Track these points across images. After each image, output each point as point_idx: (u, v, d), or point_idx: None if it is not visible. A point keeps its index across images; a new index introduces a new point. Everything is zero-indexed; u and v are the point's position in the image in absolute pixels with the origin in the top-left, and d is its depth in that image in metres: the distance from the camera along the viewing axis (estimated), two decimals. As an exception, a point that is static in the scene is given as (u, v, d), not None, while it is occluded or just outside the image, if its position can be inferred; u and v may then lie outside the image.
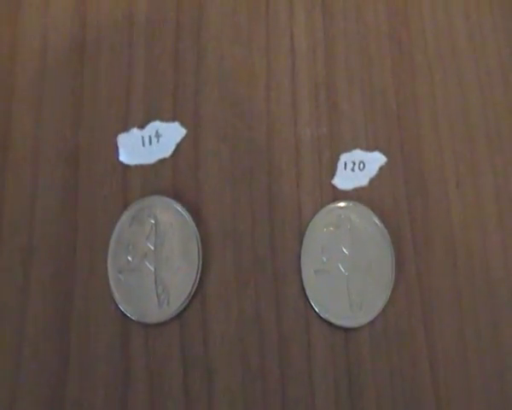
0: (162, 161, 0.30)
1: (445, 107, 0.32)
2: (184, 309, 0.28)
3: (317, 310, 0.28)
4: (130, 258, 0.28)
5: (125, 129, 0.30)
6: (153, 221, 0.28)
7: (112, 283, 0.28)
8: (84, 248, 0.28)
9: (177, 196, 0.29)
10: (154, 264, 0.28)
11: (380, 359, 0.28)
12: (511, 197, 0.31)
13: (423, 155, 0.31)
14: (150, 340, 0.28)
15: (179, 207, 0.28)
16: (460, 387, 0.28)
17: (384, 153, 0.31)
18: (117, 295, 0.28)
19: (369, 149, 0.31)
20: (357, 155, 0.30)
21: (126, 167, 0.29)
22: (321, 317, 0.28)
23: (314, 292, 0.28)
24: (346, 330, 0.28)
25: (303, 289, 0.28)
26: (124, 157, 0.30)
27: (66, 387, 0.27)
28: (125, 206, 0.29)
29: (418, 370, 0.28)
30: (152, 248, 0.28)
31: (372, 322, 0.28)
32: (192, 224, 0.28)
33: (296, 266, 0.29)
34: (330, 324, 0.28)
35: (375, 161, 0.30)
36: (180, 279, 0.28)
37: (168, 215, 0.28)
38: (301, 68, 0.31)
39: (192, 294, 0.28)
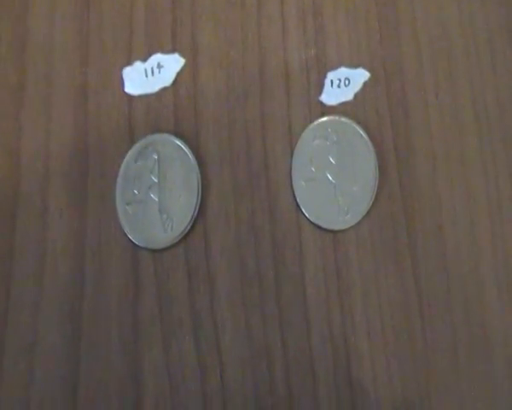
0: (164, 90, 0.31)
1: (424, 24, 0.33)
2: (188, 232, 0.30)
3: (307, 216, 0.30)
4: (136, 191, 0.30)
5: (129, 63, 0.32)
6: (156, 156, 0.30)
7: (120, 215, 0.30)
8: (95, 176, 0.31)
9: (178, 120, 0.31)
10: (158, 195, 0.30)
11: (365, 258, 0.30)
12: (487, 104, 0.32)
13: (404, 70, 0.32)
14: (158, 261, 0.30)
15: (179, 142, 0.30)
16: (440, 281, 0.30)
17: (368, 69, 0.32)
18: (125, 226, 0.30)
19: (353, 66, 0.32)
20: (343, 72, 0.32)
21: (131, 98, 0.31)
22: (311, 222, 0.30)
23: (304, 200, 0.30)
24: (335, 233, 0.30)
25: (294, 198, 0.30)
26: (129, 88, 0.32)
27: (83, 301, 0.29)
28: (132, 133, 0.31)
29: (400, 267, 0.30)
30: (156, 180, 0.30)
31: (358, 224, 0.30)
32: (191, 156, 0.30)
33: (288, 179, 0.30)
34: (320, 228, 0.30)
35: (360, 76, 0.32)
36: (182, 205, 0.30)
37: (170, 150, 0.30)
38: (290, -3, 0.33)
39: (194, 217, 0.30)
